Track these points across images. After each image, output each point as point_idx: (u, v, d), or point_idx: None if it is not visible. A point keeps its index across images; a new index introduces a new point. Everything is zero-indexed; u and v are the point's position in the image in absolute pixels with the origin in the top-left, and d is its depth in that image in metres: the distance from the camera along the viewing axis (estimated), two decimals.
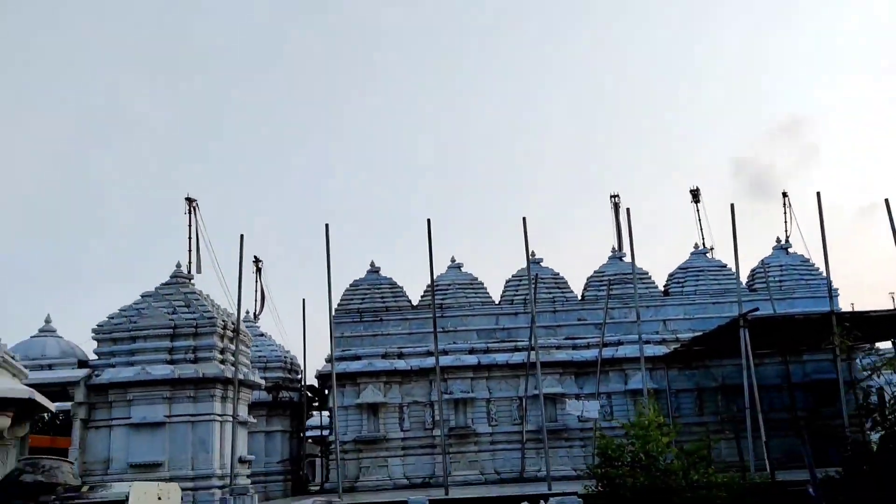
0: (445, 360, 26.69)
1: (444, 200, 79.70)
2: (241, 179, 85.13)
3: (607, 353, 26.26)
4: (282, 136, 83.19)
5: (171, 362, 20.09)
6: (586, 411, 22.47)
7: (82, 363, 20.46)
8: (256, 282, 30.02)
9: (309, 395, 29.79)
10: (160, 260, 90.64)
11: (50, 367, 20.21)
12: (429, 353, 27.45)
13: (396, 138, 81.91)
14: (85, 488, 9.36)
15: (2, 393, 11.89)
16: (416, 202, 77.94)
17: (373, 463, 26.00)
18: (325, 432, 28.51)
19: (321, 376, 27.67)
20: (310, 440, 32.33)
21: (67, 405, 21.42)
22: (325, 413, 31.45)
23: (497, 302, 28.88)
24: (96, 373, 20.06)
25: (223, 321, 21.00)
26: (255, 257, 29.86)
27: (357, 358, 27.31)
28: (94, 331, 20.58)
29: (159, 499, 9.65)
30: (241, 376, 20.43)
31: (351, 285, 29.24)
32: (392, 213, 78.40)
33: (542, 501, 15.53)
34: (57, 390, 19.33)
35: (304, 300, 26.99)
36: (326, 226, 20.97)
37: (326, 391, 28.90)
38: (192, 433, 19.67)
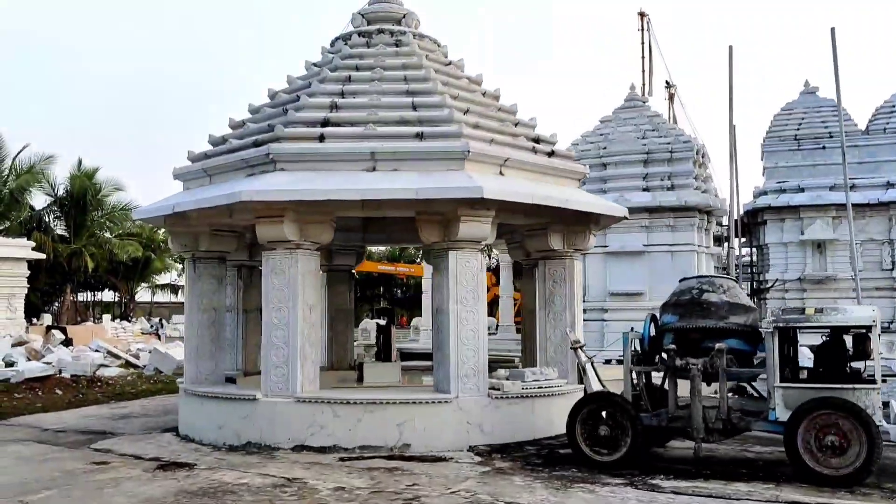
0: None
1: None
2: None
3: None
4: None
5: (647, 189, 19.11)
6: None
7: None
8: (669, 109, 28.02)
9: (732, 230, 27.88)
10: (593, 83, 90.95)
11: None
12: (889, 185, 23.89)
13: None
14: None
15: (607, 209, 11.36)
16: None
17: (821, 304, 23.69)
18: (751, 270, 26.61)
19: (755, 210, 25.43)
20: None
21: None
22: (740, 249, 29.43)
23: None
24: None
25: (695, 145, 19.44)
26: (667, 82, 27.70)
27: (800, 190, 24.54)
28: None
29: None
30: (717, 205, 18.98)
31: (783, 109, 25.95)
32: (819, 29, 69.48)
33: None
34: None
35: (733, 127, 24.36)
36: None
37: (751, 226, 26.74)
38: (672, 263, 18.83)
